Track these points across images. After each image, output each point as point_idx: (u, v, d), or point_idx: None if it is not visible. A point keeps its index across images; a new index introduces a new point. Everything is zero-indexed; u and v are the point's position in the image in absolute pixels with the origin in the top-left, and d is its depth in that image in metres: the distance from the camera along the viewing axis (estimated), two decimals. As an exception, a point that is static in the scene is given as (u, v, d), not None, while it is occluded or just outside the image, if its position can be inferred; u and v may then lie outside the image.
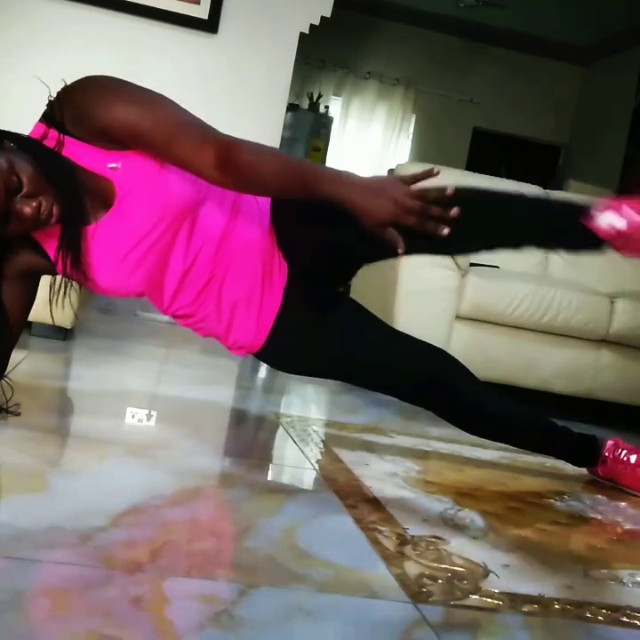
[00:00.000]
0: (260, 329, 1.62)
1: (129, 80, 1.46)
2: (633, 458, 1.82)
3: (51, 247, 1.48)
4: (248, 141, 1.39)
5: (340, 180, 1.35)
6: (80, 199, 1.43)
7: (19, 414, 1.56)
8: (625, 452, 1.84)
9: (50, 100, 1.42)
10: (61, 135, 1.40)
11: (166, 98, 1.44)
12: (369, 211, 1.34)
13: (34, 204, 1.35)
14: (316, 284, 1.66)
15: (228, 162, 1.35)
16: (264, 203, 1.61)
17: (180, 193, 1.46)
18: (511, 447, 1.87)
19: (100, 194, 1.44)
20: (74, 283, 1.50)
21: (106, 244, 1.46)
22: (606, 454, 1.84)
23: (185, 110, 1.44)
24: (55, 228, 1.43)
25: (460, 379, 1.75)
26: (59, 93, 1.41)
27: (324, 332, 1.67)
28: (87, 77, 1.42)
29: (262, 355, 1.69)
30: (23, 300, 1.56)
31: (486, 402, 1.77)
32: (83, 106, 1.38)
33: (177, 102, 1.45)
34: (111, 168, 1.42)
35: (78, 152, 1.41)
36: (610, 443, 1.85)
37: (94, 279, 1.49)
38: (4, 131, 1.40)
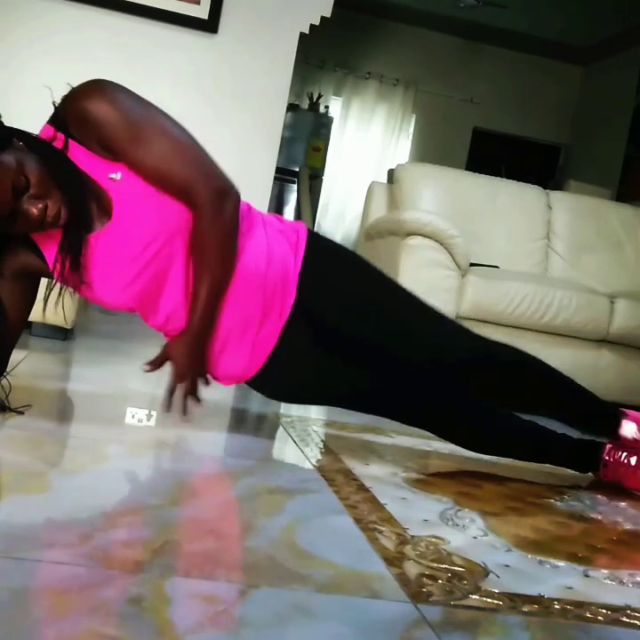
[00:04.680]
0: (251, 364, 1.62)
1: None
2: (633, 460, 1.78)
3: (49, 250, 1.47)
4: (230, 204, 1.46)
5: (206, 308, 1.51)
6: (87, 205, 1.43)
7: (22, 413, 1.57)
8: (625, 454, 1.79)
9: (55, 105, 1.43)
10: (67, 139, 1.41)
11: (167, 118, 1.45)
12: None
13: (40, 205, 1.35)
14: (323, 329, 1.65)
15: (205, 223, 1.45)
16: (303, 236, 1.61)
17: (178, 209, 1.46)
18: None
19: (101, 203, 1.44)
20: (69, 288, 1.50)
21: (104, 254, 1.46)
22: (606, 458, 1.81)
23: (183, 134, 1.45)
24: (56, 231, 1.43)
25: (453, 398, 1.75)
26: (63, 98, 1.42)
27: (317, 366, 1.67)
28: (91, 84, 1.41)
29: (252, 384, 1.71)
30: (23, 300, 1.56)
31: (481, 418, 1.76)
32: (84, 113, 1.38)
33: (178, 121, 1.46)
34: (111, 178, 1.42)
35: (82, 157, 1.42)
36: (609, 446, 1.81)
37: (90, 287, 1.49)
38: (14, 129, 1.40)
